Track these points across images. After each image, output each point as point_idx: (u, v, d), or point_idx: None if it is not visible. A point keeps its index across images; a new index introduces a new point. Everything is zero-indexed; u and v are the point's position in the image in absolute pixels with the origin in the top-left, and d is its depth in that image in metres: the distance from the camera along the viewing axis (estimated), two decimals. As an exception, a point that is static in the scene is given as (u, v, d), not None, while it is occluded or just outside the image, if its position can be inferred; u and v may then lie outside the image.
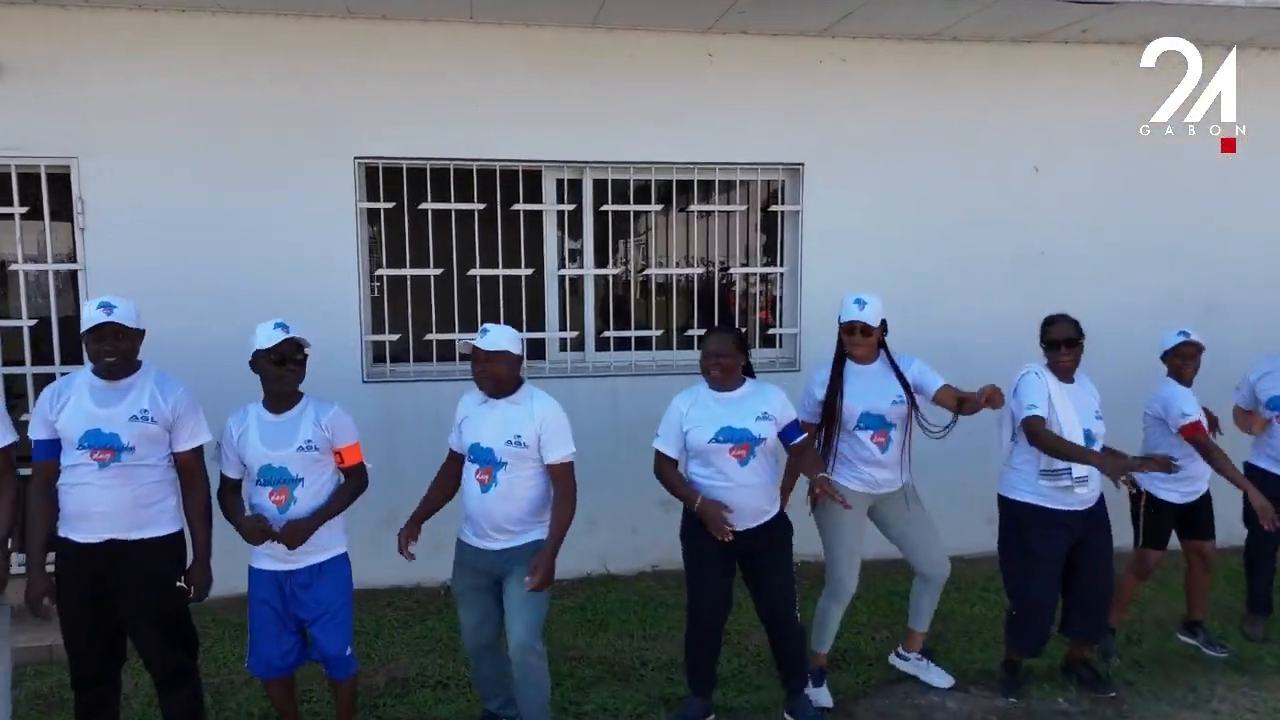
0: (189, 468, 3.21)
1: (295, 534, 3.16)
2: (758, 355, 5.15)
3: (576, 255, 5.51)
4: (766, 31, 5.11)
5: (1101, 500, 3.81)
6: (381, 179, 4.98)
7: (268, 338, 3.15)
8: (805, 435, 3.63)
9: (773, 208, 5.47)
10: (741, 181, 5.49)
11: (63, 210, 4.71)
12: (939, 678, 4.09)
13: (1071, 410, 3.72)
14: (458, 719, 3.82)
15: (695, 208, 5.35)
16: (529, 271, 5.26)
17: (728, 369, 3.51)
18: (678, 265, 5.67)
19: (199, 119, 4.67)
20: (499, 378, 3.30)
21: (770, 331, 5.53)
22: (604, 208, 5.26)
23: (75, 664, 3.19)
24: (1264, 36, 5.36)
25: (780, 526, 3.61)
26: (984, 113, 5.39)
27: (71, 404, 3.06)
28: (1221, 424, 4.46)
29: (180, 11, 4.60)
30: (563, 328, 5.37)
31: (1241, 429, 4.66)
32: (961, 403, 3.59)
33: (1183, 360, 4.21)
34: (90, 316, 3.02)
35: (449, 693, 4.01)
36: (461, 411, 3.46)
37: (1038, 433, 3.65)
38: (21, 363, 4.71)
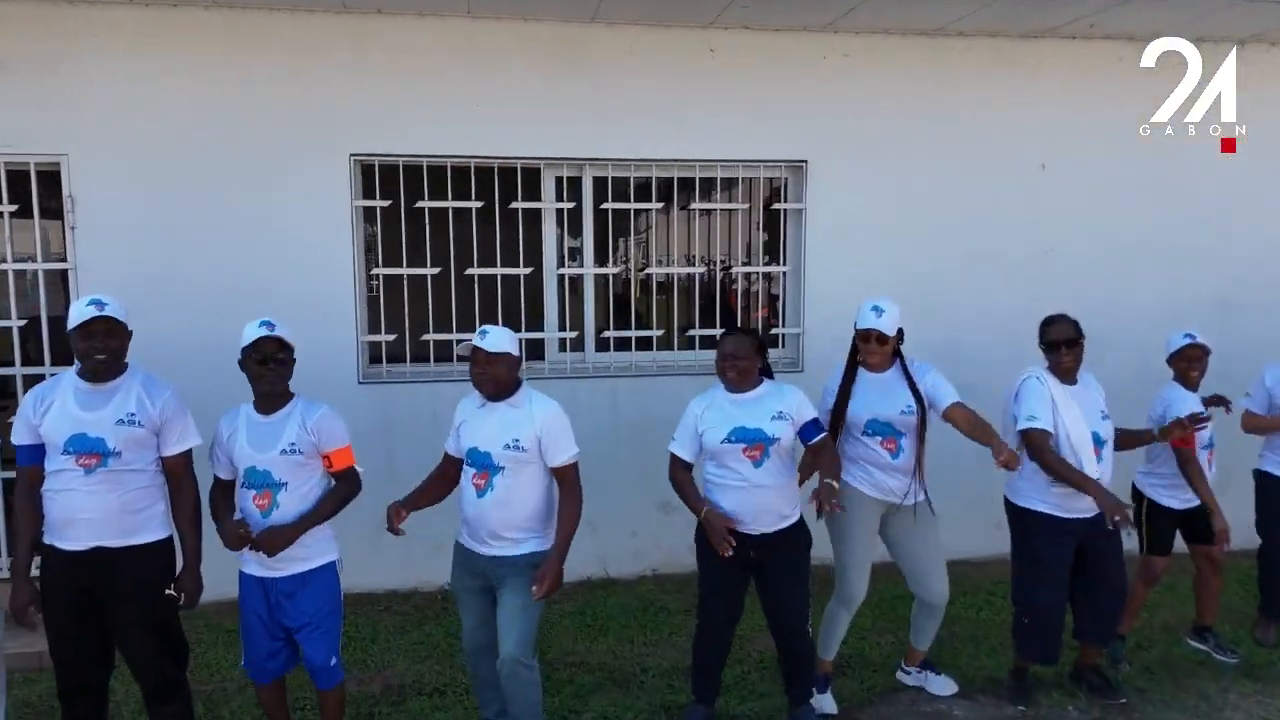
0: (177, 472, 3.13)
1: (274, 541, 3.07)
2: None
3: (576, 254, 5.45)
4: (769, 26, 5.03)
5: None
6: (378, 177, 4.91)
7: (251, 335, 3.08)
8: (824, 435, 3.52)
9: (775, 206, 5.40)
10: (743, 179, 5.42)
11: (53, 208, 4.63)
12: (941, 686, 4.02)
13: (1077, 413, 3.63)
14: (455, 728, 3.75)
15: (696, 206, 5.28)
16: (528, 271, 5.19)
17: (744, 371, 3.44)
18: (679, 264, 5.60)
19: (191, 115, 4.60)
20: (500, 379, 3.23)
21: (773, 331, 5.46)
22: (604, 206, 5.20)
23: (61, 673, 3.11)
24: (1271, 31, 5.29)
25: (798, 536, 3.52)
26: (989, 109, 5.31)
27: (56, 407, 2.98)
28: (1230, 410, 4.36)
29: (172, 6, 4.52)
30: (562, 328, 5.30)
31: (1258, 432, 4.50)
32: (973, 428, 3.49)
33: (1188, 363, 4.13)
34: (80, 313, 2.93)
35: (446, 700, 3.93)
36: (459, 416, 3.39)
37: (1041, 449, 3.56)
38: (11, 364, 4.65)
